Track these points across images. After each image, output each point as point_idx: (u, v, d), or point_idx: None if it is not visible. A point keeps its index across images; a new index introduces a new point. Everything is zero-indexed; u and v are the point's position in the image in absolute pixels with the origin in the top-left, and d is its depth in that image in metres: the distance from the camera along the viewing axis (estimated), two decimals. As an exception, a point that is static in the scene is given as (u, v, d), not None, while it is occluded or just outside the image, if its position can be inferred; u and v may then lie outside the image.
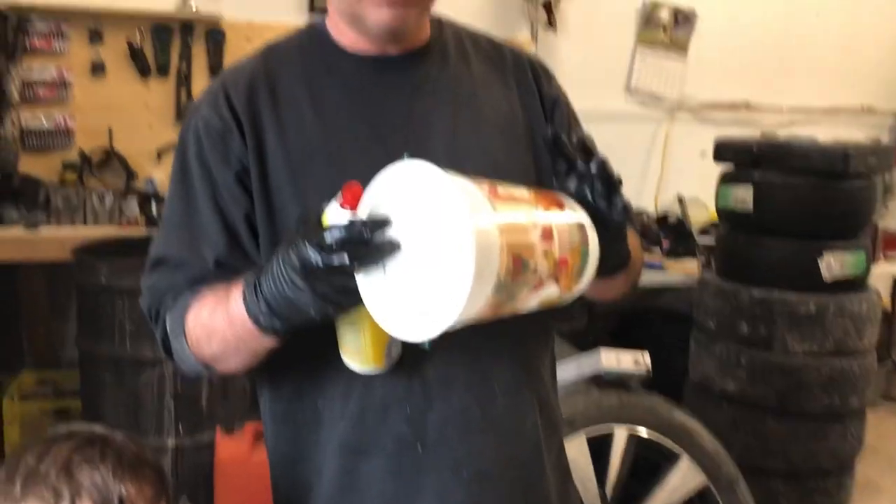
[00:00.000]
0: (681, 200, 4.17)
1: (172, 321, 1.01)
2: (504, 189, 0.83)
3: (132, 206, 3.40)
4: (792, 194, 2.82)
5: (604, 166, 0.91)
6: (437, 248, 0.76)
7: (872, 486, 3.14)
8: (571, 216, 0.89)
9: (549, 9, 3.87)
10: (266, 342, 0.93)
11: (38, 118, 3.42)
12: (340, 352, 0.95)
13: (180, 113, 3.60)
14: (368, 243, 0.80)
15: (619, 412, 2.09)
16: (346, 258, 0.80)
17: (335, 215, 0.83)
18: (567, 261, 0.85)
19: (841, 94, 4.50)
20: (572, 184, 0.93)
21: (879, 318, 2.92)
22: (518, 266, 0.78)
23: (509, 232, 0.78)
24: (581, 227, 0.89)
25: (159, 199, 3.43)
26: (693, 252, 3.61)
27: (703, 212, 4.00)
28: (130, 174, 3.51)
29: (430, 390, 1.01)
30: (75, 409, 3.10)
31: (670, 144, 4.24)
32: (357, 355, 0.94)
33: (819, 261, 2.76)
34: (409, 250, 0.80)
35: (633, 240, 1.07)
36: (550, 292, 0.85)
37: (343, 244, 0.80)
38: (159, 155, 3.60)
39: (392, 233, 0.81)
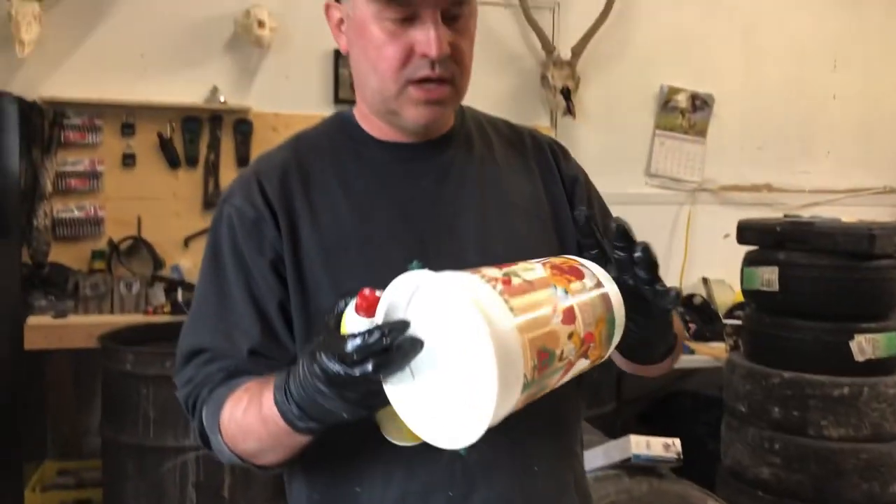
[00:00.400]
0: (706, 282, 4.15)
1: (208, 416, 1.00)
2: (518, 276, 0.81)
3: (159, 294, 3.45)
4: (817, 275, 2.80)
5: (647, 253, 0.86)
6: (460, 358, 0.75)
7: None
8: (590, 285, 0.85)
9: (567, 96, 3.95)
10: (302, 439, 0.92)
11: (69, 208, 3.51)
12: (380, 429, 0.94)
13: (208, 202, 3.68)
14: (389, 350, 0.77)
15: (650, 499, 2.03)
16: (369, 368, 0.77)
17: (353, 322, 0.82)
18: (593, 335, 0.83)
19: (862, 175, 4.50)
20: (612, 271, 0.89)
21: (916, 401, 2.83)
22: (544, 359, 0.76)
23: (530, 328, 0.75)
24: (604, 296, 0.86)
25: (186, 287, 3.47)
26: (720, 334, 3.56)
27: (728, 293, 3.97)
28: (158, 262, 3.57)
29: (472, 474, 1.00)
30: (97, 499, 3.07)
31: (693, 226, 4.25)
32: (396, 432, 0.93)
33: (850, 342, 2.71)
34: (432, 360, 0.78)
35: (675, 321, 1.07)
36: (581, 367, 0.84)
37: (364, 353, 0.77)
38: (186, 243, 3.67)
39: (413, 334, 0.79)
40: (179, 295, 3.36)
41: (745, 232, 3.08)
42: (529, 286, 0.80)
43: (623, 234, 0.87)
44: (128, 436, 2.79)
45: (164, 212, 3.65)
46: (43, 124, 3.45)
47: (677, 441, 2.12)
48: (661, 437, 2.10)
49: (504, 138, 1.17)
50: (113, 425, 2.86)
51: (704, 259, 4.15)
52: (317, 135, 1.13)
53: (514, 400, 0.75)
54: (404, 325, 0.77)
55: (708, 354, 3.44)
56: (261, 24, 3.56)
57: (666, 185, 4.26)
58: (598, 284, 0.86)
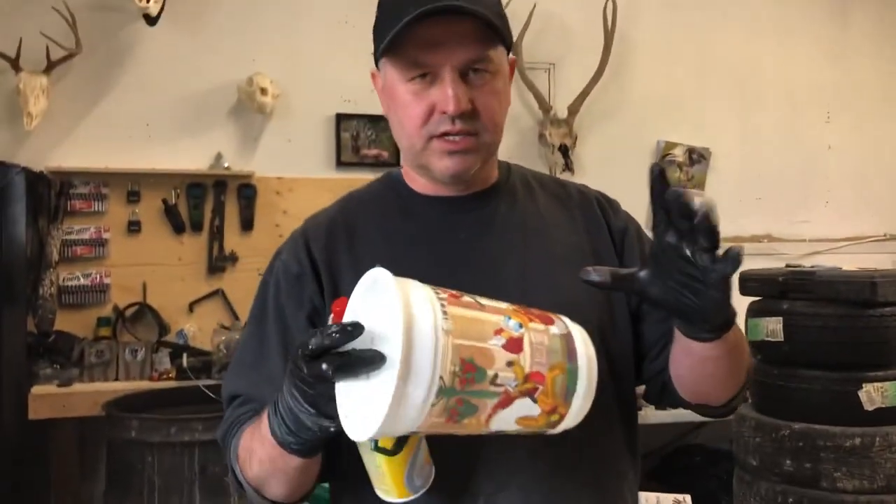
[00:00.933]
0: (711, 334, 4.13)
1: (233, 449, 1.05)
2: (475, 300, 0.82)
3: (164, 360, 3.44)
4: (822, 324, 2.79)
5: (707, 218, 0.81)
6: (389, 342, 0.76)
7: None
8: (555, 332, 0.84)
9: (565, 153, 4.01)
10: (290, 460, 0.93)
11: (75, 276, 3.54)
12: (373, 486, 0.95)
13: (213, 266, 3.70)
14: (344, 354, 0.79)
15: (664, 559, 1.99)
16: (322, 366, 0.79)
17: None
18: (543, 376, 0.80)
19: (861, 223, 4.53)
20: (672, 238, 0.84)
21: (929, 450, 2.80)
22: (469, 371, 0.75)
23: (459, 335, 0.75)
24: (566, 338, 0.84)
25: (191, 352, 3.47)
26: (728, 386, 3.53)
27: (734, 345, 3.95)
28: (163, 327, 3.57)
29: None
30: (100, 571, 3.01)
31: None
32: (382, 486, 0.93)
33: (859, 392, 2.69)
34: (379, 344, 0.80)
35: (737, 331, 1.03)
36: (528, 411, 0.80)
37: (321, 352, 0.80)
38: (191, 307, 3.68)
39: (364, 340, 0.80)
40: (185, 360, 3.36)
41: (748, 283, 3.08)
42: (479, 307, 0.81)
43: (682, 206, 0.82)
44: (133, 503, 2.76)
45: (170, 277, 3.67)
46: (49, 194, 3.50)
47: (688, 497, 2.10)
48: (672, 494, 2.08)
49: (549, 192, 1.20)
50: (117, 494, 2.83)
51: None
52: (366, 192, 1.20)
53: (424, 398, 0.73)
54: (357, 326, 0.79)
55: (716, 407, 3.40)
56: (263, 91, 3.63)
57: (667, 238, 4.27)
58: (566, 335, 0.85)
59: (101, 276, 3.57)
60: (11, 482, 2.99)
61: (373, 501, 0.96)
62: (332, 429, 0.85)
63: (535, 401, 0.80)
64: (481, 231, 1.11)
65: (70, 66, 3.55)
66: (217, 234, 3.72)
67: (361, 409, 0.79)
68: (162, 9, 3.46)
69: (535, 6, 3.97)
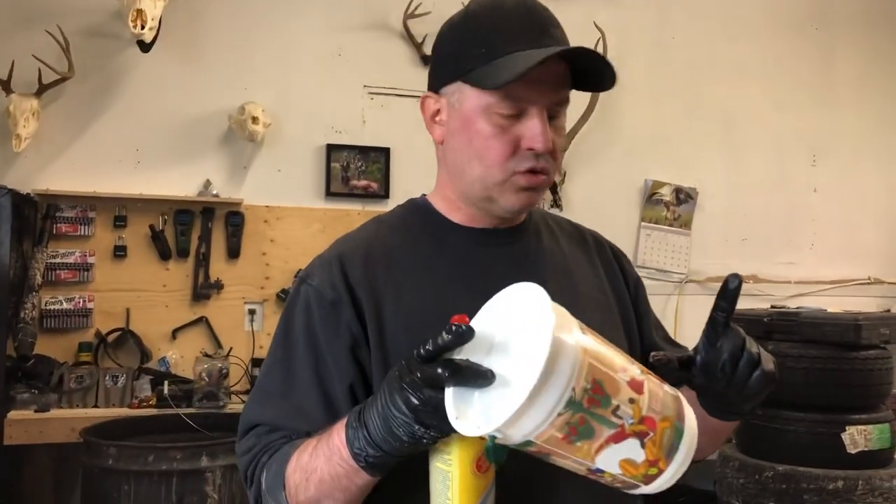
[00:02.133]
0: (696, 373, 4.13)
1: (270, 478, 1.00)
2: (603, 340, 0.85)
3: (145, 387, 3.40)
4: (807, 365, 2.80)
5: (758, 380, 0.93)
6: (520, 349, 0.79)
7: None
8: (668, 389, 0.86)
9: (553, 189, 4.03)
10: (358, 480, 0.91)
11: (58, 300, 3.50)
12: None
13: (197, 293, 3.68)
14: (460, 366, 0.80)
15: None
16: (438, 370, 0.80)
17: None
18: (655, 423, 0.82)
19: (846, 266, 4.57)
20: (723, 364, 0.93)
21: (912, 494, 2.79)
22: (598, 393, 0.77)
23: (594, 358, 0.79)
24: (677, 399, 0.86)
25: (172, 379, 3.43)
26: (712, 426, 3.52)
27: (719, 385, 3.95)
28: (145, 354, 3.54)
29: None
30: None
31: (681, 317, 4.26)
32: None
33: (842, 434, 2.69)
34: (498, 355, 0.82)
35: None
36: (634, 454, 0.81)
37: (434, 355, 0.81)
38: (175, 335, 3.65)
39: (487, 344, 0.84)
40: (166, 388, 3.32)
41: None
42: (609, 346, 0.84)
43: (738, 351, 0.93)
44: (107, 534, 2.70)
45: (154, 303, 3.64)
46: (35, 216, 3.48)
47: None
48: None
49: (567, 233, 1.23)
50: (92, 523, 2.77)
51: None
52: (395, 218, 1.18)
53: (553, 405, 0.75)
54: (471, 331, 0.81)
55: (700, 447, 3.39)
56: (255, 119, 3.65)
57: (653, 276, 4.30)
58: (676, 397, 0.88)
59: (84, 301, 3.54)
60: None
61: None
62: (424, 439, 0.84)
63: (643, 446, 0.81)
64: (515, 266, 1.11)
65: (62, 90, 3.56)
66: (203, 262, 3.70)
67: (477, 414, 0.80)
68: (156, 36, 3.48)
69: (526, 44, 4.01)
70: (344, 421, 0.92)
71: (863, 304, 4.31)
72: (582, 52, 1.01)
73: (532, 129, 1.02)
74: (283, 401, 1.05)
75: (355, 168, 3.91)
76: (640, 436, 0.81)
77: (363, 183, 3.93)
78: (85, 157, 3.62)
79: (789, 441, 2.77)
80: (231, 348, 3.64)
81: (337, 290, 1.05)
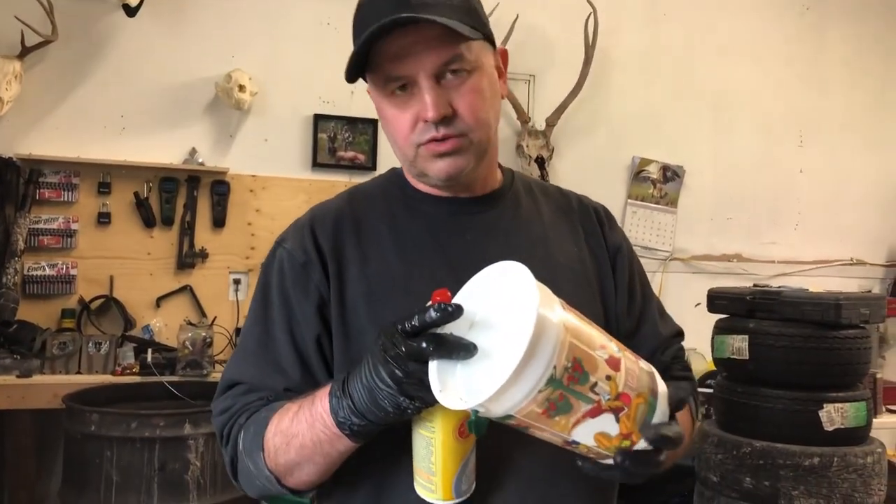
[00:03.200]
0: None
1: (248, 439, 1.02)
2: (579, 313, 0.87)
3: (128, 354, 3.39)
4: (787, 344, 2.82)
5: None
6: (503, 326, 0.81)
7: None
8: (643, 366, 0.89)
9: (541, 165, 4.03)
10: (340, 446, 0.94)
11: (40, 265, 3.48)
12: (414, 480, 0.96)
13: (182, 262, 3.66)
14: (443, 335, 0.82)
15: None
16: (423, 344, 0.82)
17: None
18: (629, 398, 0.84)
19: (829, 246, 4.61)
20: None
21: (886, 471, 2.84)
22: (577, 371, 0.80)
23: (575, 335, 0.81)
24: (651, 375, 0.89)
25: (156, 347, 3.42)
26: (692, 403, 3.55)
27: (700, 362, 3.99)
28: (129, 322, 3.53)
29: None
30: (52, 567, 2.96)
31: (665, 294, 4.29)
32: (428, 480, 0.94)
33: (819, 412, 2.73)
34: (480, 331, 0.84)
35: (686, 416, 1.12)
36: (608, 428, 0.84)
37: (420, 330, 0.83)
38: (158, 303, 3.64)
39: (468, 320, 0.85)
40: (149, 355, 3.32)
41: (716, 301, 3.12)
42: (589, 323, 0.87)
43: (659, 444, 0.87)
44: (88, 500, 2.71)
45: (138, 271, 3.63)
46: (18, 181, 3.45)
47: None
48: (633, 506, 2.08)
49: (552, 201, 1.22)
50: (73, 489, 2.78)
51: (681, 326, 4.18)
52: (371, 187, 1.19)
53: (535, 382, 0.78)
54: (458, 308, 0.83)
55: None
56: (241, 87, 3.61)
57: (638, 253, 4.29)
58: (651, 373, 0.90)
59: (67, 267, 3.52)
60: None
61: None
62: (409, 410, 0.86)
63: (617, 420, 0.84)
64: (486, 235, 1.12)
65: (45, 53, 3.51)
66: (188, 230, 3.68)
67: (460, 386, 0.82)
68: (142, 0, 3.42)
69: (517, 17, 3.99)
70: (327, 389, 0.94)
71: (845, 284, 4.36)
72: (395, 21, 0.97)
73: (420, 100, 1.02)
74: (260, 358, 1.08)
75: (342, 139, 3.89)
76: (616, 411, 0.83)
77: (350, 154, 3.91)
78: (69, 121, 3.58)
79: (767, 418, 2.80)
80: (215, 317, 3.63)
81: (307, 253, 1.09)
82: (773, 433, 2.77)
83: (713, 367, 3.50)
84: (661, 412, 0.88)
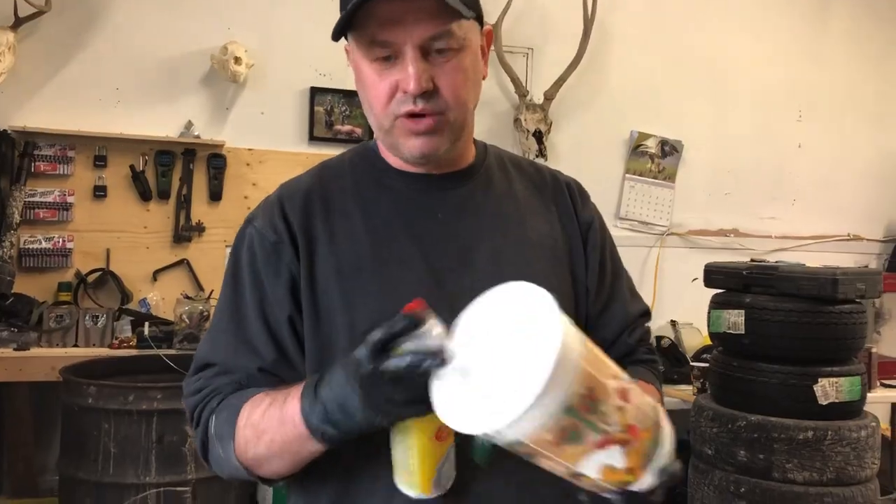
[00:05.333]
0: (674, 325, 4.18)
1: (219, 424, 1.02)
2: (592, 343, 0.85)
3: (125, 328, 3.40)
4: (782, 318, 2.83)
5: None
6: (522, 351, 0.78)
7: None
8: (651, 401, 0.88)
9: (539, 139, 4.01)
10: (310, 447, 0.93)
11: (37, 239, 3.47)
12: (393, 473, 0.95)
13: (179, 235, 3.65)
14: (412, 351, 0.82)
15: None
16: (392, 361, 0.82)
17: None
18: (637, 431, 0.83)
19: (826, 222, 4.60)
20: None
21: (879, 445, 2.86)
22: (591, 400, 0.78)
23: (590, 364, 0.80)
24: (657, 409, 0.88)
25: (153, 321, 3.43)
26: (688, 377, 3.58)
27: (696, 336, 4.01)
28: (125, 295, 3.53)
29: None
30: (52, 537, 2.98)
31: (662, 269, 4.30)
32: (408, 478, 0.94)
33: (814, 386, 2.74)
34: (492, 354, 0.82)
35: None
36: (615, 461, 0.82)
37: (386, 341, 0.83)
38: (155, 276, 3.63)
39: (461, 335, 0.85)
40: (146, 329, 3.32)
41: (712, 275, 3.12)
42: (600, 351, 0.85)
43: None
44: (86, 472, 2.72)
45: (134, 245, 3.62)
46: (12, 154, 3.43)
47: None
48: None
49: (526, 176, 1.19)
50: (71, 461, 2.79)
51: (673, 302, 4.19)
52: (340, 163, 1.17)
53: (552, 411, 0.76)
54: (420, 321, 0.83)
55: (675, 397, 3.45)
56: (237, 60, 3.58)
57: (635, 228, 4.32)
58: (656, 407, 0.89)
59: (63, 241, 3.51)
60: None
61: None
62: (384, 425, 0.86)
63: (625, 454, 0.82)
64: (457, 212, 1.10)
65: (39, 24, 3.47)
66: (184, 204, 3.67)
67: (470, 409, 0.79)
68: (136, -30, 3.39)
69: (515, -11, 3.95)
70: (298, 389, 0.93)
71: (842, 259, 4.36)
72: None
73: (404, 70, 0.99)
74: (232, 338, 1.07)
75: (339, 112, 3.87)
76: (623, 444, 0.82)
77: (347, 128, 3.89)
78: (63, 94, 3.56)
79: (762, 392, 2.82)
80: (212, 291, 3.63)
81: (278, 232, 1.07)
82: (768, 407, 2.79)
83: (709, 342, 3.52)
84: (666, 450, 0.87)
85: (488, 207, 1.12)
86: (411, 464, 0.92)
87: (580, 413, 0.78)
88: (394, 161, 1.12)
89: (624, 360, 1.11)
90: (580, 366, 0.77)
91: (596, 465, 0.82)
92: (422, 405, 0.83)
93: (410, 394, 0.83)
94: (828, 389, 2.73)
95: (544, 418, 0.76)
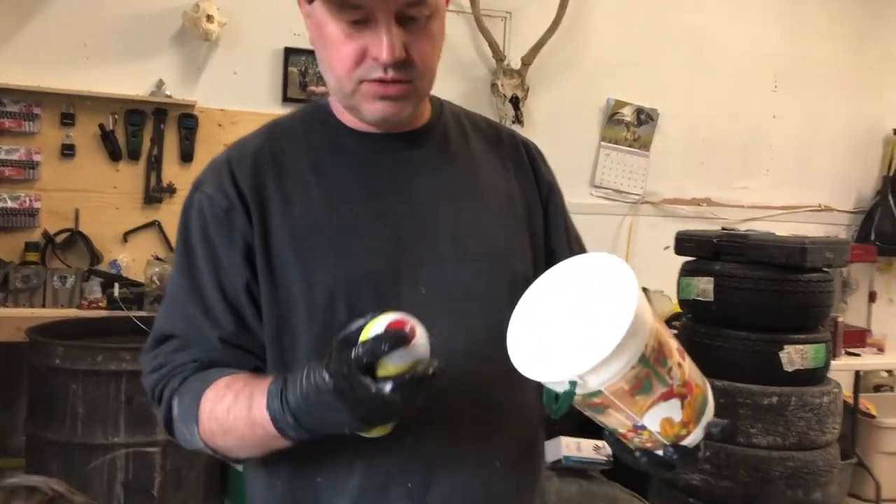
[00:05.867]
0: (645, 292, 4.21)
1: (182, 408, 1.00)
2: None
3: (95, 289, 3.36)
4: (751, 286, 2.87)
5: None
6: (602, 306, 0.84)
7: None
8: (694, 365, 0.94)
9: (516, 105, 3.99)
10: (279, 443, 0.94)
11: (2, 198, 3.41)
12: None
13: (149, 196, 3.61)
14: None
15: (580, 500, 2.05)
16: (381, 386, 0.83)
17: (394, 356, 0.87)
18: (692, 386, 0.89)
19: (799, 193, 4.64)
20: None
21: (841, 411, 2.92)
22: (660, 354, 0.85)
23: (658, 322, 0.87)
24: (702, 377, 0.93)
25: (123, 282, 3.39)
26: (658, 344, 3.61)
27: (666, 304, 4.04)
28: (95, 256, 3.49)
29: (433, 466, 1.00)
30: (20, 497, 2.96)
31: (635, 238, 4.32)
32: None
33: (780, 353, 2.79)
34: (572, 311, 0.87)
35: None
36: (674, 414, 0.88)
37: (367, 367, 0.83)
38: (126, 238, 3.59)
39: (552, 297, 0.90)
40: (116, 290, 3.29)
41: (683, 243, 3.15)
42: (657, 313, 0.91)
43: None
44: (54, 433, 2.71)
45: (104, 205, 3.57)
46: (-23, 111, 3.35)
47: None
48: (592, 440, 2.13)
49: (482, 134, 1.17)
50: (39, 422, 2.78)
51: (645, 270, 4.14)
52: (292, 122, 1.12)
53: (629, 359, 0.82)
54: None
55: (645, 363, 3.49)
56: (209, 18, 3.52)
57: (609, 196, 4.33)
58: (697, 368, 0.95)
59: (30, 200, 3.45)
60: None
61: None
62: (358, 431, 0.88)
63: (682, 406, 0.88)
64: (415, 172, 1.08)
65: (4, -23, 3.38)
66: (155, 164, 3.62)
67: (553, 359, 0.85)
68: (105, -77, 3.30)
69: (494, -48, 3.90)
70: (262, 388, 0.92)
71: (813, 230, 4.40)
72: None
73: (377, 36, 0.96)
74: (189, 310, 1.04)
75: (314, 73, 3.81)
76: (682, 397, 0.88)
77: (321, 89, 3.84)
78: (29, 49, 3.47)
79: (729, 358, 2.86)
80: (183, 253, 3.60)
81: (229, 198, 1.03)
82: (735, 373, 2.83)
83: (678, 310, 3.55)
84: (710, 407, 0.92)
85: (445, 167, 1.10)
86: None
87: (652, 364, 0.84)
88: (349, 120, 1.08)
89: None
90: (652, 320, 0.84)
91: (657, 417, 0.87)
92: (402, 413, 0.86)
93: (398, 410, 0.85)
94: (793, 356, 2.78)
95: (624, 365, 0.82)
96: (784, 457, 2.74)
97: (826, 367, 2.90)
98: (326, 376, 0.84)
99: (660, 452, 0.90)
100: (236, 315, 1.03)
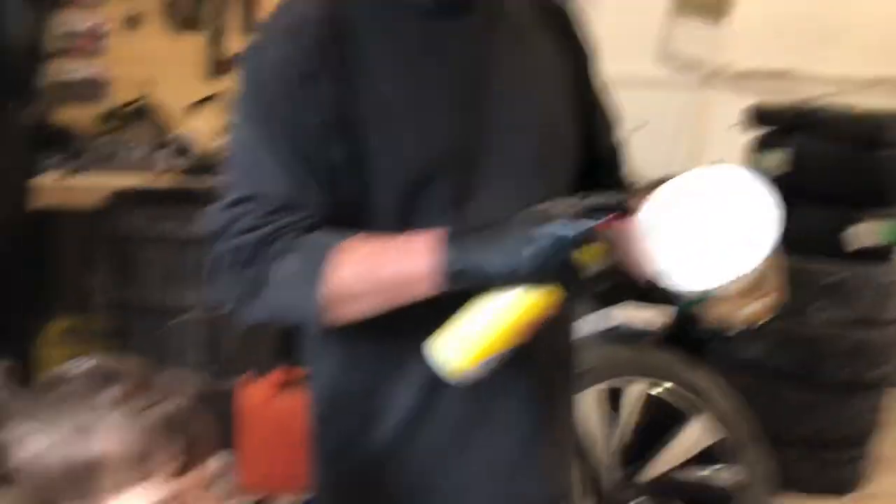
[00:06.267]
0: (714, 168, 4.11)
1: (291, 270, 0.95)
2: None
3: (164, 159, 3.44)
4: (824, 162, 2.79)
5: None
6: (741, 217, 0.96)
7: (886, 461, 3.06)
8: None
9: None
10: (422, 289, 0.93)
11: (73, 70, 3.47)
12: (434, 337, 0.93)
13: (217, 68, 3.62)
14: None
15: (633, 367, 2.09)
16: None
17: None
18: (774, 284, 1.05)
19: (885, 64, 4.37)
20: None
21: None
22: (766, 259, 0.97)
23: None
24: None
25: (192, 153, 3.46)
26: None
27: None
28: (163, 127, 3.55)
29: (499, 385, 1.04)
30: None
31: (705, 113, 4.17)
32: (458, 344, 0.92)
33: (848, 229, 2.72)
34: (709, 221, 0.96)
35: None
36: (757, 309, 1.04)
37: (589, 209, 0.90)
38: (193, 108, 3.64)
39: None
40: (185, 160, 3.36)
41: (757, 115, 3.05)
42: None
43: None
44: (133, 295, 2.86)
45: (170, 76, 3.59)
46: (44, -19, 3.37)
47: (665, 311, 2.16)
48: (649, 307, 2.14)
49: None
50: (118, 285, 2.92)
51: (714, 147, 4.09)
52: None
53: (762, 259, 0.96)
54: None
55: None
56: None
57: (679, 68, 4.16)
58: None
59: (99, 72, 3.50)
60: (14, 270, 3.06)
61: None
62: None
63: (766, 303, 1.05)
64: (479, 41, 1.06)
65: None
66: (218, 36, 3.61)
67: (697, 265, 0.95)
68: None
69: None
70: (425, 243, 0.92)
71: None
72: None
73: None
74: (280, 171, 0.97)
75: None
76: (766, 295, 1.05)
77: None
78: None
79: (796, 233, 2.79)
80: (250, 125, 3.63)
81: (310, 60, 0.97)
82: (802, 248, 2.77)
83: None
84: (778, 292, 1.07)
85: (504, 32, 1.09)
86: (480, 332, 0.91)
87: (765, 266, 0.96)
88: None
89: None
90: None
91: (751, 308, 1.02)
92: (584, 283, 0.90)
93: (575, 285, 0.90)
94: (861, 233, 2.71)
95: (757, 270, 0.95)
96: (843, 333, 2.72)
97: (894, 245, 2.83)
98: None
99: (731, 333, 1.06)
100: (320, 182, 0.99)
